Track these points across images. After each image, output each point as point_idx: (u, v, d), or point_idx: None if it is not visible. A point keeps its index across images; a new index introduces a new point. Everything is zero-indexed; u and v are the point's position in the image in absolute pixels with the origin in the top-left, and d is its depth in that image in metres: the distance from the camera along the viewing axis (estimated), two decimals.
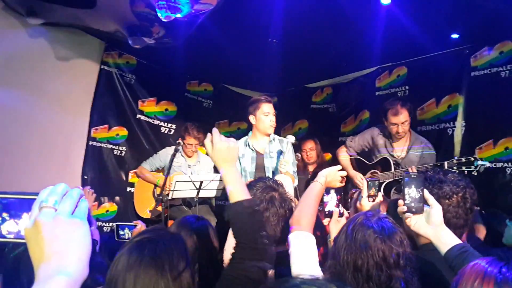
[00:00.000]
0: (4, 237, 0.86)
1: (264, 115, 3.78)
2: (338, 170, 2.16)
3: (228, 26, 4.25)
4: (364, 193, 2.31)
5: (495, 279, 1.11)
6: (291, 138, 3.77)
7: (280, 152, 3.82)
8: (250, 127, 4.05)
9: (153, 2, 3.44)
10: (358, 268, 1.44)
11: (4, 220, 0.85)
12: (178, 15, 3.49)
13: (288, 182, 3.32)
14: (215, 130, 1.71)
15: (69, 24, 4.34)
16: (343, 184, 2.24)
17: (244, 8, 3.96)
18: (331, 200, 2.19)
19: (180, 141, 4.56)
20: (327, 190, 2.16)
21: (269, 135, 3.86)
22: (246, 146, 3.90)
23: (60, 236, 0.76)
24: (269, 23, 4.13)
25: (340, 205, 2.23)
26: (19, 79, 4.19)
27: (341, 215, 2.21)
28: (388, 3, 3.75)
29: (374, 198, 2.31)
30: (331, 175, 2.12)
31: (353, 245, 1.49)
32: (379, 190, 2.36)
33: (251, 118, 3.86)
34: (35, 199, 0.80)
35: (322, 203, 2.12)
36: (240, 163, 3.80)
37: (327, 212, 2.20)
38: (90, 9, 3.82)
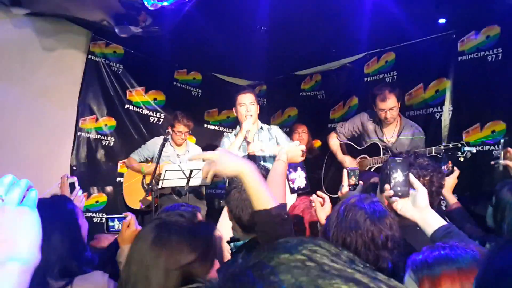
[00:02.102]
0: None
1: (239, 105, 3.80)
2: (297, 145, 2.20)
3: (215, 14, 4.22)
4: (345, 182, 2.35)
5: None
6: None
7: (269, 139, 3.84)
8: None
9: None
10: (347, 246, 1.48)
11: None
12: (165, 3, 3.46)
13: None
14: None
15: (54, 14, 4.28)
16: (304, 158, 2.26)
17: None
18: (299, 177, 2.22)
19: (169, 130, 4.55)
20: (294, 168, 2.19)
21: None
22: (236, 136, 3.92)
23: (8, 225, 0.77)
24: (256, 10, 4.10)
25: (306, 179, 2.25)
26: (4, 70, 4.14)
27: (305, 188, 2.23)
28: None
29: (355, 187, 2.34)
30: (292, 151, 2.15)
31: (344, 224, 1.53)
32: (359, 179, 2.39)
33: (234, 111, 3.91)
34: None
35: (288, 181, 2.16)
36: None
37: (295, 188, 2.22)
38: None
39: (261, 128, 3.90)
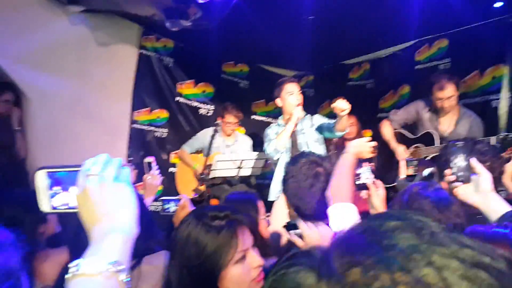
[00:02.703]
0: (57, 208, 0.93)
1: (289, 94, 3.79)
2: (367, 141, 2.16)
3: (262, 5, 4.23)
4: (402, 172, 2.31)
5: None
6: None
7: (311, 126, 3.84)
8: None
9: None
10: None
11: (55, 193, 0.92)
12: None
13: None
14: (301, 224, 1.66)
15: (108, 10, 4.44)
16: (373, 154, 2.21)
17: None
18: (364, 172, 2.18)
19: (219, 121, 4.63)
20: (360, 163, 2.15)
21: None
22: (279, 126, 3.95)
23: (108, 199, 0.83)
24: (303, 0, 4.08)
25: (373, 175, 2.20)
26: (64, 66, 4.34)
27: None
28: None
29: (413, 177, 2.30)
30: (361, 146, 2.10)
31: None
32: (418, 170, 2.34)
33: (278, 101, 3.90)
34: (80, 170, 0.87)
35: (355, 176, 2.11)
36: None
37: (361, 185, 2.18)
38: None
39: (304, 117, 3.90)
